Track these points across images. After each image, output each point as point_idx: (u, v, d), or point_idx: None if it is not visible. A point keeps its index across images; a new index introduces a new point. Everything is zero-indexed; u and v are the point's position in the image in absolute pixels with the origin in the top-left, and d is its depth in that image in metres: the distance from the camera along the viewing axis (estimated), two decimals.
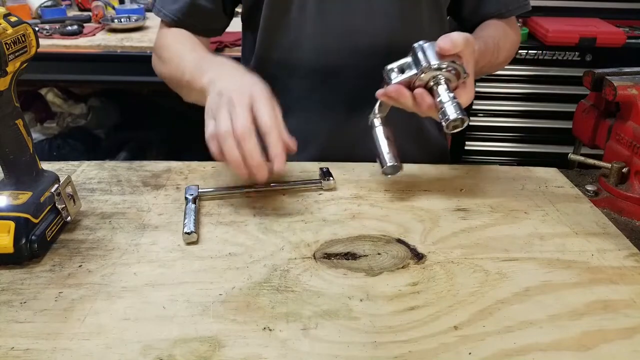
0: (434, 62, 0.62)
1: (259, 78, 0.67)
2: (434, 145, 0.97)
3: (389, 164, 0.69)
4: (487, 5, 0.89)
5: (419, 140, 0.93)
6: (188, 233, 0.61)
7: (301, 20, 0.83)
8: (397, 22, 0.84)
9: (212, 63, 0.74)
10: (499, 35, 0.85)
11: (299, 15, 0.83)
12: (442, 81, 0.63)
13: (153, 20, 2.14)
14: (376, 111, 0.71)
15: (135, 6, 2.16)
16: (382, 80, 0.67)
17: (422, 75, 0.63)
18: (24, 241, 0.56)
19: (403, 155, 0.87)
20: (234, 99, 0.61)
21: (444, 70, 0.63)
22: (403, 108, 0.68)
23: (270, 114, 0.60)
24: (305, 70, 0.86)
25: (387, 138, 0.71)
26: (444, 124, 0.62)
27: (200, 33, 0.88)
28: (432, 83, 0.64)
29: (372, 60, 0.82)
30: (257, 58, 0.90)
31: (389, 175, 0.72)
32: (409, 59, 0.65)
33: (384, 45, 0.84)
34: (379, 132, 0.71)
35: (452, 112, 0.61)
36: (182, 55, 0.80)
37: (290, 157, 0.86)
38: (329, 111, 0.88)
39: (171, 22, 0.87)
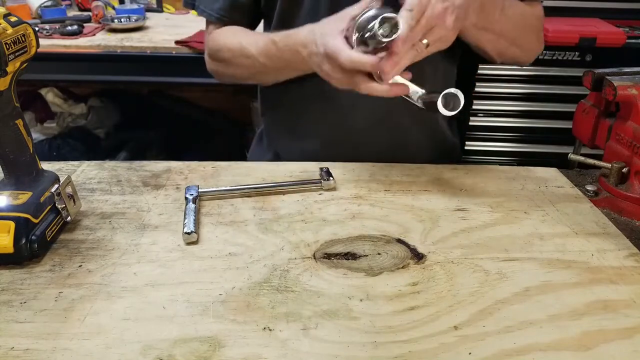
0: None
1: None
2: (447, 143, 0.99)
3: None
4: None
5: (435, 140, 0.95)
6: (188, 233, 0.61)
7: (313, 14, 0.84)
8: None
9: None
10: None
11: (311, 10, 0.84)
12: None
13: (153, 20, 2.14)
14: None
15: (135, 6, 2.16)
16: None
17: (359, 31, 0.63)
18: (24, 241, 0.56)
19: (419, 152, 0.89)
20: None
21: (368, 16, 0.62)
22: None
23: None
24: (314, 95, 0.88)
25: None
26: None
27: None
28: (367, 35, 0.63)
29: None
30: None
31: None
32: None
33: None
34: None
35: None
36: (247, 47, 0.83)
37: (295, 148, 0.86)
38: (333, 107, 0.88)
39: (216, 20, 0.90)
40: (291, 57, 0.77)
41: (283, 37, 0.77)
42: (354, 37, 0.64)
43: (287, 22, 0.85)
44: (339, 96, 0.86)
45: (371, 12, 0.63)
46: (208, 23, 0.92)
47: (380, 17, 0.59)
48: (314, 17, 0.81)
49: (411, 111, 0.85)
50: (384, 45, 0.61)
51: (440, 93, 0.62)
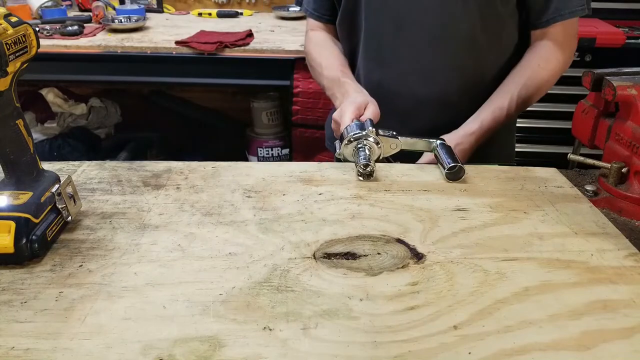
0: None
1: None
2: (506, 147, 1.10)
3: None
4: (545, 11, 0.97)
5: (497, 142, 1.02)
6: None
7: (366, 13, 0.95)
8: (446, 16, 0.90)
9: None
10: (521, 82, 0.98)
11: (367, 8, 0.95)
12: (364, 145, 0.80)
13: (153, 21, 2.14)
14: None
15: (135, 6, 2.17)
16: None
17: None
18: (24, 241, 0.56)
19: (482, 157, 0.95)
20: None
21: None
22: None
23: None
24: (367, 57, 0.98)
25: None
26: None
27: (327, 21, 1.08)
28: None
29: (423, 52, 0.87)
30: (341, 39, 1.08)
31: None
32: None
33: (436, 37, 0.91)
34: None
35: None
36: (321, 72, 1.03)
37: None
38: (381, 96, 0.93)
39: (304, 11, 1.13)
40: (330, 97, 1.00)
41: (339, 85, 0.97)
42: (343, 143, 0.80)
43: (346, 22, 1.00)
44: (387, 90, 0.97)
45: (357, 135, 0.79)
46: (308, 17, 1.13)
47: (361, 160, 0.76)
48: (365, 19, 0.95)
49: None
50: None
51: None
